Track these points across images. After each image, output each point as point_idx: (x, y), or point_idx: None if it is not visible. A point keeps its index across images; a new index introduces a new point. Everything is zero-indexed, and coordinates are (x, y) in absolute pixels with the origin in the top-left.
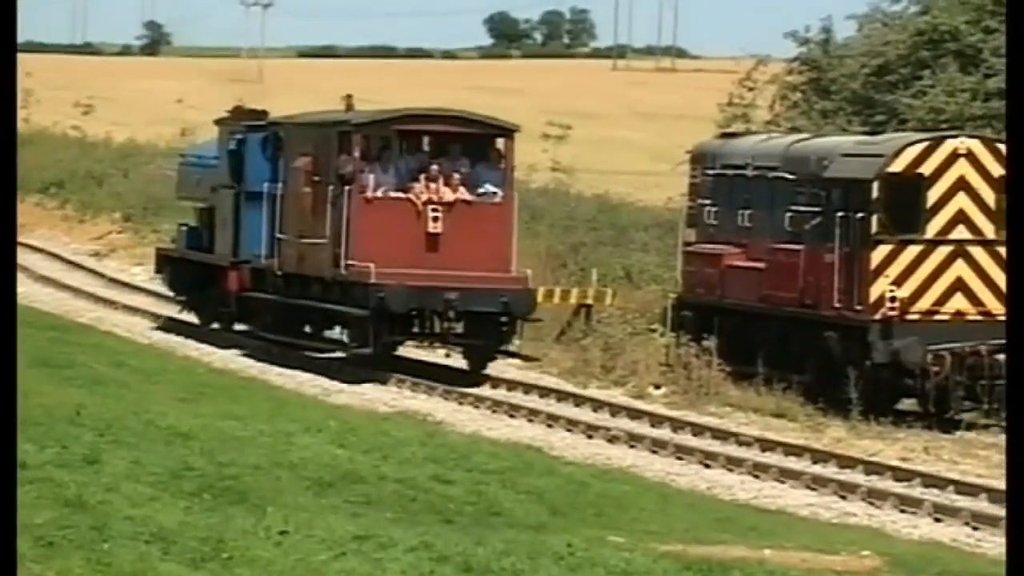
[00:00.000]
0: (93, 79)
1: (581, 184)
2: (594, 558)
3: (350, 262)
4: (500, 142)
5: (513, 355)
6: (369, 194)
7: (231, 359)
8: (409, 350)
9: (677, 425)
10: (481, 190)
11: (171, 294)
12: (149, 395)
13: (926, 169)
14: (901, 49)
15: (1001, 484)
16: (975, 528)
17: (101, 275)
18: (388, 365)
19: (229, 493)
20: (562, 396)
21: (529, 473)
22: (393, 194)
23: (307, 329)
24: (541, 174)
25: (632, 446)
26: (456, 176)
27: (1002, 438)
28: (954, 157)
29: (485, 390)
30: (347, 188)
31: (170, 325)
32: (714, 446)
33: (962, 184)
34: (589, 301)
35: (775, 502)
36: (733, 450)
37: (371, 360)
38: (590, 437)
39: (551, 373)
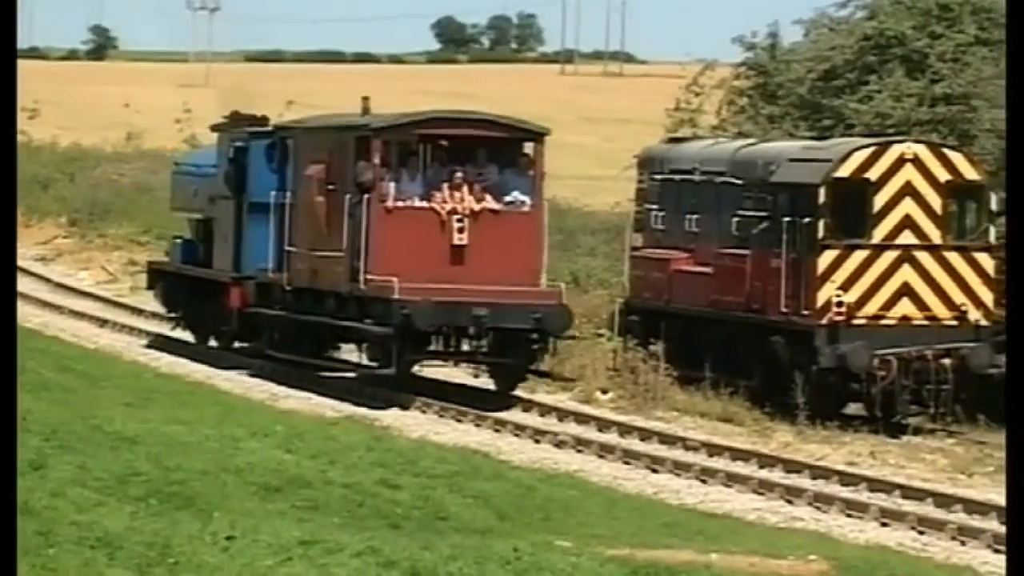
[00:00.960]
0: (39, 83)
1: None
2: (541, 562)
3: (370, 276)
4: (528, 147)
5: (544, 374)
6: (390, 203)
7: (178, 364)
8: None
9: (624, 430)
10: (508, 198)
11: (164, 310)
12: (95, 400)
13: (873, 174)
14: (848, 54)
15: (947, 488)
16: (921, 532)
17: (47, 280)
18: (410, 387)
19: (175, 498)
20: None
21: (476, 477)
22: (415, 203)
23: (318, 348)
24: None
25: (579, 451)
26: (482, 184)
27: (947, 442)
28: (901, 162)
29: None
30: (366, 197)
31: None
32: (661, 451)
33: (908, 189)
34: None
35: (722, 506)
36: (680, 455)
37: (393, 382)
38: (537, 442)
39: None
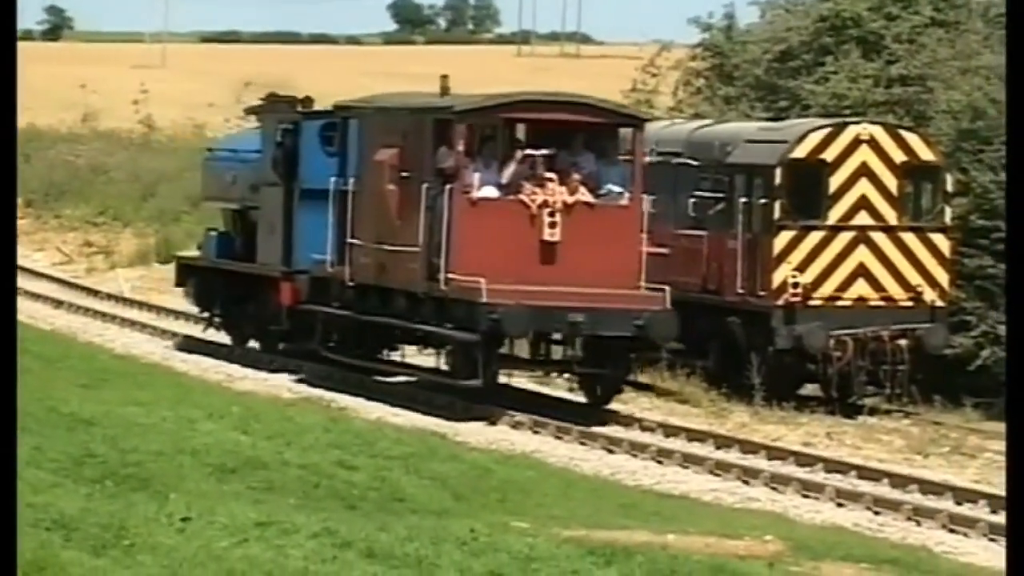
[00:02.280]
0: None
1: None
2: (497, 543)
3: (452, 275)
4: (627, 134)
5: (644, 387)
6: (475, 195)
7: (133, 344)
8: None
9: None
10: (603, 190)
11: (196, 310)
12: (51, 381)
13: (829, 155)
14: (804, 35)
15: (903, 468)
16: (877, 512)
17: None
18: (496, 399)
19: (131, 480)
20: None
21: (433, 459)
22: (502, 195)
23: (378, 351)
24: None
25: (536, 432)
26: (576, 174)
27: (903, 423)
28: (856, 143)
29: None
30: (448, 187)
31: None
32: (618, 432)
33: (864, 170)
34: None
35: (678, 487)
36: (636, 436)
37: (480, 394)
38: (494, 423)
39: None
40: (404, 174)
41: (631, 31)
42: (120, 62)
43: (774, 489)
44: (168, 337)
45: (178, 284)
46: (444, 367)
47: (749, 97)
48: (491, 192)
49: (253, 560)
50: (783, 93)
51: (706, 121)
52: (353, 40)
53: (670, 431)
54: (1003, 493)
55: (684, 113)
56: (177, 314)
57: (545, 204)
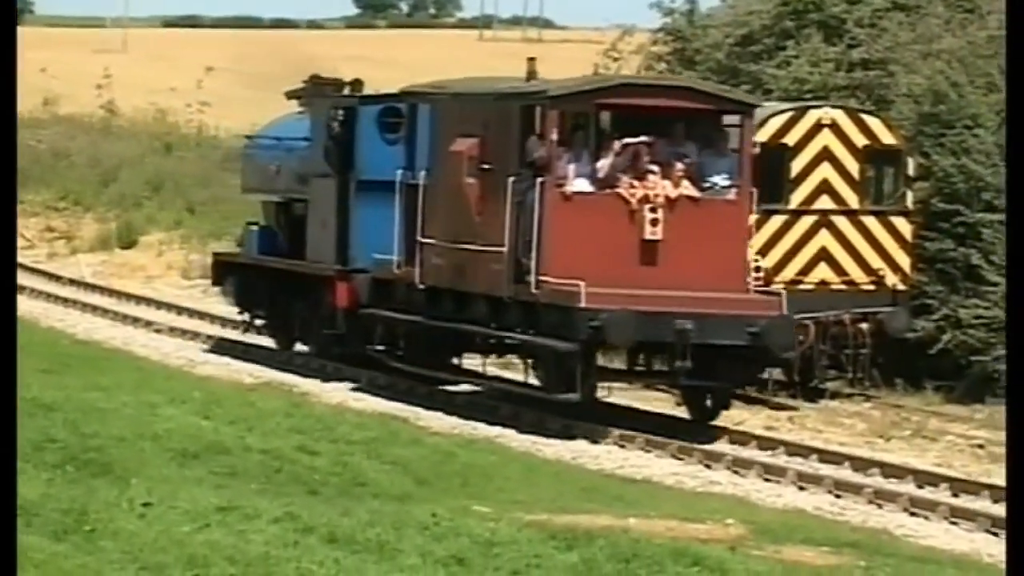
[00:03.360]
0: None
1: None
2: (459, 528)
3: (544, 278)
4: (734, 121)
5: (757, 401)
6: (569, 188)
7: (95, 329)
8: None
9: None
10: (707, 183)
11: (237, 311)
12: None
13: (790, 139)
14: (765, 19)
15: (864, 452)
16: (838, 496)
17: None
18: (592, 415)
19: (92, 465)
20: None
21: (395, 443)
22: (600, 189)
23: (448, 359)
24: None
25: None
26: (679, 166)
27: (865, 407)
28: (818, 127)
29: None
30: (539, 180)
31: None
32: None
33: (826, 154)
34: None
35: (640, 471)
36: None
37: (578, 410)
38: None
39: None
40: (485, 166)
41: (593, 16)
42: (81, 47)
43: (736, 473)
44: (130, 323)
45: (215, 283)
46: (529, 379)
47: (711, 81)
48: (586, 185)
49: (215, 545)
50: (745, 77)
51: None
52: (314, 24)
53: (633, 416)
54: (964, 476)
55: None
56: (139, 299)
57: (646, 199)
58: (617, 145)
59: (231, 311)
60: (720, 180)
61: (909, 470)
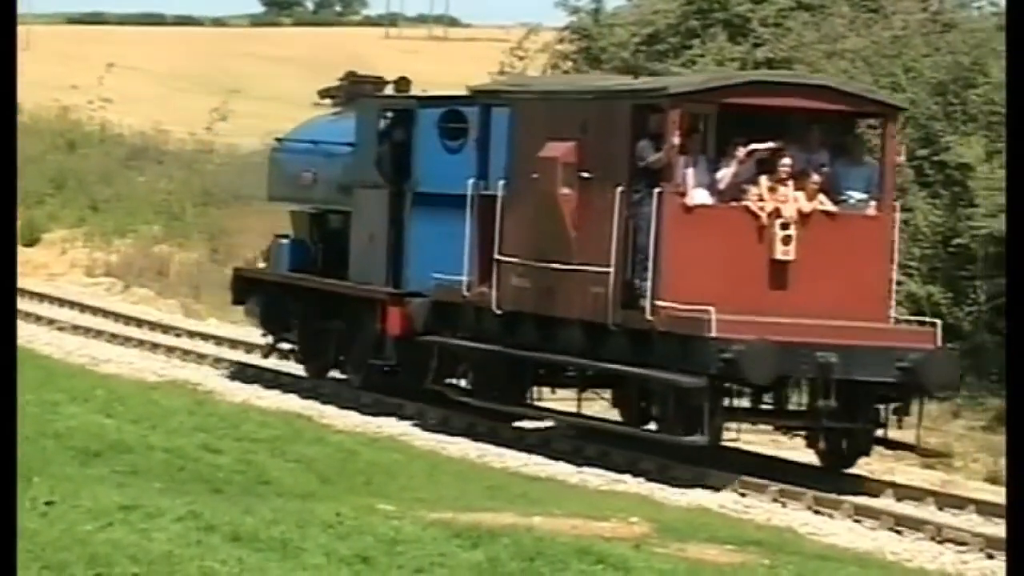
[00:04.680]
0: None
1: None
2: (363, 526)
3: (662, 302)
4: (864, 125)
5: (905, 447)
6: (690, 200)
7: None
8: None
9: None
10: (843, 196)
11: (262, 333)
12: None
13: None
14: (671, 18)
15: (768, 450)
16: (743, 495)
17: None
18: (716, 459)
19: None
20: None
21: (298, 442)
22: (723, 201)
23: (523, 393)
24: None
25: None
26: (814, 176)
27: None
28: None
29: (254, 357)
30: (657, 191)
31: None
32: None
33: None
34: None
35: (545, 470)
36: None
37: (703, 454)
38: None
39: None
40: (585, 174)
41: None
42: None
43: (641, 471)
44: (32, 320)
45: (236, 301)
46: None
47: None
48: (709, 197)
49: (117, 544)
50: (650, 76)
51: None
52: (219, 22)
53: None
54: (866, 474)
55: None
56: (41, 297)
57: (777, 213)
58: (742, 151)
59: (137, 309)
60: (857, 193)
61: (812, 467)
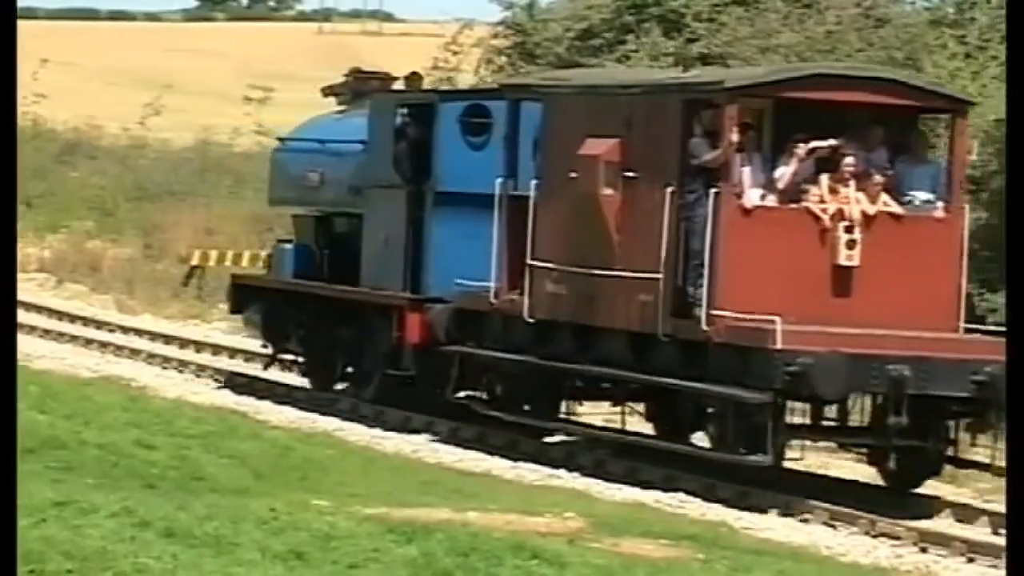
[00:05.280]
0: None
1: None
2: (297, 522)
3: (719, 311)
4: (924, 121)
5: (978, 466)
6: (749, 201)
7: None
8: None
9: None
10: (907, 197)
11: (263, 344)
12: None
13: None
14: (605, 13)
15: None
16: (677, 490)
17: None
18: (778, 480)
19: None
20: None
21: (233, 437)
22: (783, 202)
23: (555, 406)
24: (245, 138)
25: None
26: (877, 176)
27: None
28: None
29: (188, 353)
30: (713, 191)
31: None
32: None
33: None
34: None
35: (480, 465)
36: (438, 416)
37: (767, 475)
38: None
39: (257, 338)
40: (629, 174)
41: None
42: None
43: (576, 467)
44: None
45: (234, 310)
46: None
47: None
48: (768, 198)
49: (51, 540)
50: None
51: None
52: (152, 16)
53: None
54: (800, 468)
55: None
56: None
57: (840, 215)
58: (802, 148)
59: (71, 304)
60: (922, 193)
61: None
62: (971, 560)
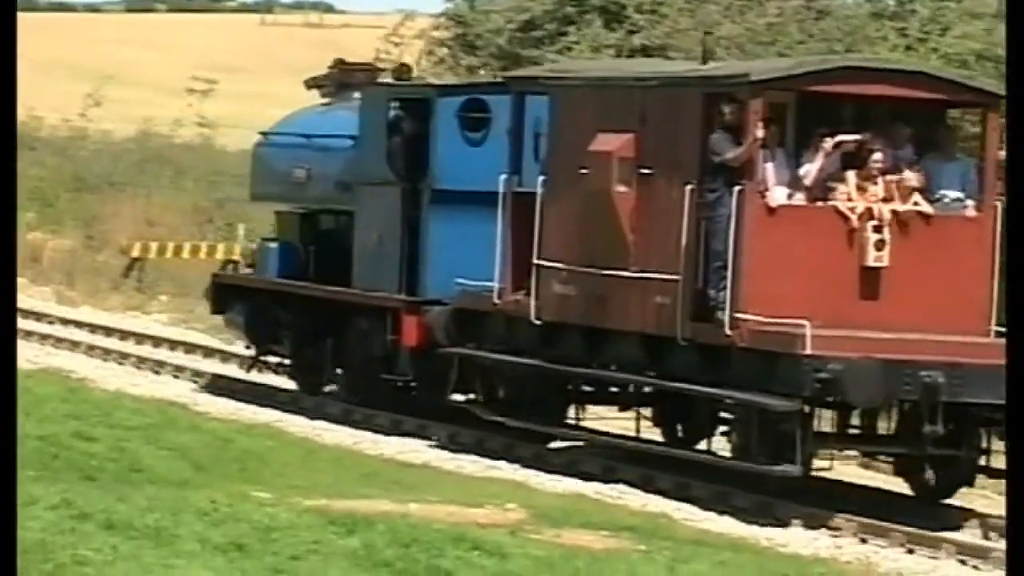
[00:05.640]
0: None
1: (226, 139)
2: (237, 513)
3: (744, 315)
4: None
5: (999, 472)
6: (773, 200)
7: None
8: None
9: None
10: (936, 195)
11: (246, 345)
12: None
13: None
14: (547, 5)
15: (649, 435)
16: (618, 481)
17: None
18: (806, 492)
19: None
20: (208, 352)
21: (172, 429)
22: (809, 200)
23: (561, 412)
24: (187, 129)
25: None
26: (907, 173)
27: None
28: None
29: (129, 345)
30: (737, 188)
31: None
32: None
33: None
34: (236, 256)
35: (420, 456)
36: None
37: (795, 486)
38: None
39: (197, 329)
40: (644, 170)
41: (374, 1)
42: None
43: (517, 460)
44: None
45: (215, 310)
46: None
47: (492, 67)
48: (794, 196)
49: None
50: (526, 63)
51: None
52: (92, 8)
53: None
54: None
55: None
56: None
57: (868, 215)
58: (828, 143)
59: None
60: (951, 191)
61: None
62: (911, 552)
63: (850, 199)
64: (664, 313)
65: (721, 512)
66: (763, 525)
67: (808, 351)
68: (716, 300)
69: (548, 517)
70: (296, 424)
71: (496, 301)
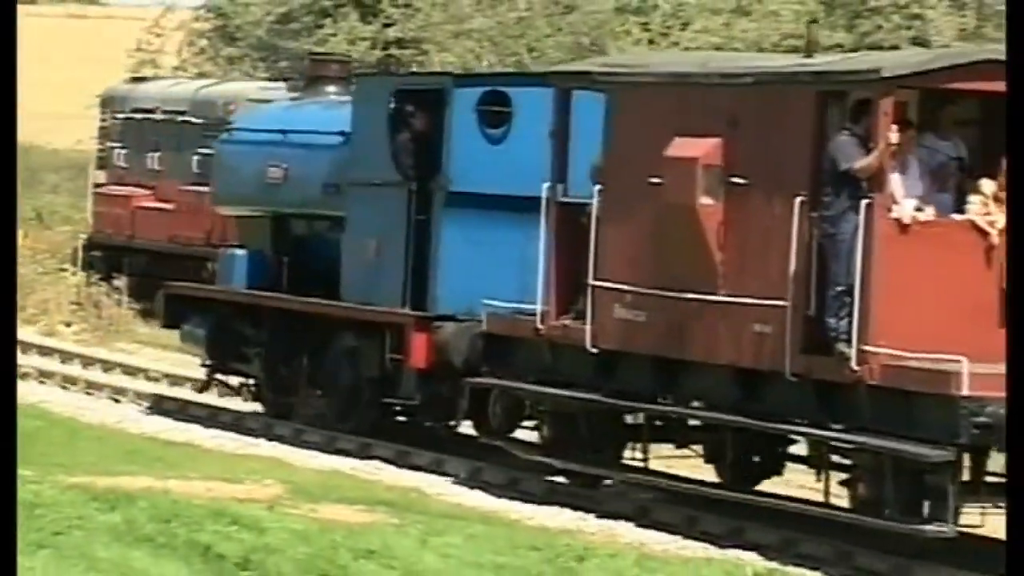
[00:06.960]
0: None
1: None
2: None
3: (874, 348)
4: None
5: None
6: (905, 214)
7: None
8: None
9: (87, 362)
10: None
11: (203, 362)
12: None
13: None
14: None
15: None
16: (371, 458)
17: None
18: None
19: None
20: None
21: None
22: (943, 216)
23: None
24: None
25: (42, 382)
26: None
27: None
28: None
29: None
30: (865, 202)
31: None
32: (123, 381)
33: None
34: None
35: (182, 435)
36: (142, 385)
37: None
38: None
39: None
40: (738, 179)
41: None
42: None
43: (277, 438)
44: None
45: (168, 324)
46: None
47: (252, 57)
48: (929, 211)
49: None
50: (284, 54)
51: (210, 80)
52: None
53: (175, 380)
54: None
55: (188, 73)
56: None
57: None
58: (956, 149)
59: None
60: None
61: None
62: None
63: (988, 212)
64: (766, 344)
65: (473, 487)
66: (512, 499)
67: (965, 391)
68: (836, 330)
69: (305, 492)
70: (61, 403)
71: (539, 326)
